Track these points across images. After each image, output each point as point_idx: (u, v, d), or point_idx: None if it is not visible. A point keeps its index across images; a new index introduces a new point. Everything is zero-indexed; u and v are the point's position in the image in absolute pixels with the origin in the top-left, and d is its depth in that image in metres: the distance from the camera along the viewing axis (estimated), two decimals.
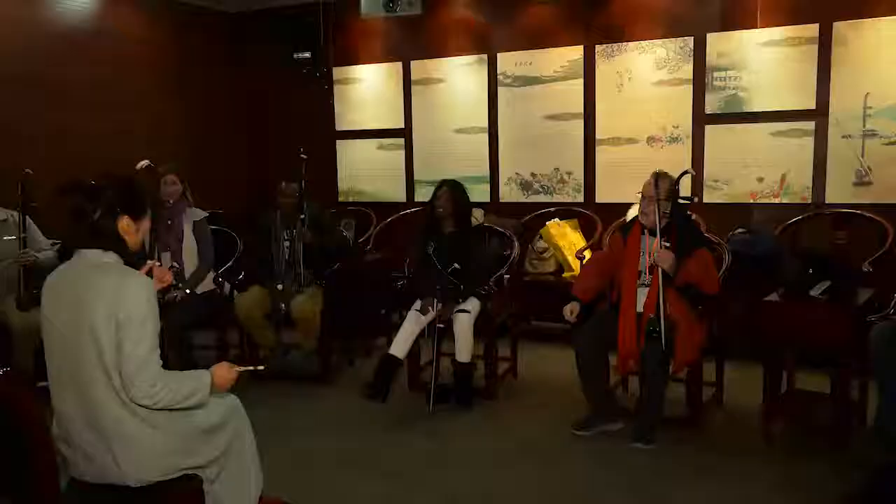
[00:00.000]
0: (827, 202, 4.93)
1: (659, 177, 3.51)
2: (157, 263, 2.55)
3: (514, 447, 3.52)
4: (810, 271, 3.39)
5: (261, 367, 2.36)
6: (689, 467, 3.24)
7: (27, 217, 4.09)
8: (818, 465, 3.21)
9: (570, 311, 3.58)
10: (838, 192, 4.91)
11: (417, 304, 4.08)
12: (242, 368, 2.25)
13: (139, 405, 1.99)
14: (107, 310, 1.93)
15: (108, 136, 5.54)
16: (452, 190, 4.19)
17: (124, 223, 2.08)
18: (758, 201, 5.17)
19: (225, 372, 2.18)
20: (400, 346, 4.01)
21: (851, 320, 3.21)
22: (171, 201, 4.26)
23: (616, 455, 3.37)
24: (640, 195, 3.60)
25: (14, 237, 4.09)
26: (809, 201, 4.98)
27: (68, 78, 5.40)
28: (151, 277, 2.46)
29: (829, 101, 4.88)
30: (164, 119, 6.13)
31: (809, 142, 4.97)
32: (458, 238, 4.15)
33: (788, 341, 3.46)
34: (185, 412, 2.10)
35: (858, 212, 4.71)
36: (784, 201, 5.08)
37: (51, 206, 4.13)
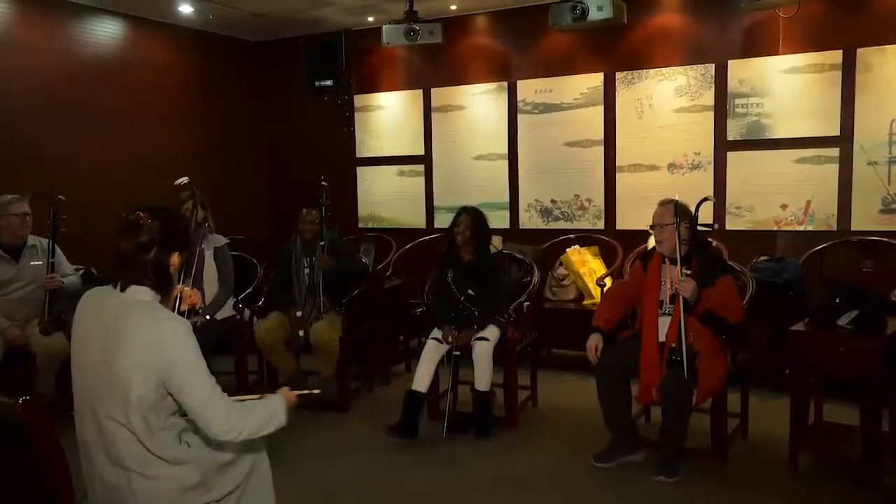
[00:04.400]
0: (853, 229, 4.85)
1: (675, 204, 3.47)
2: (185, 288, 2.56)
3: (534, 477, 3.47)
4: (837, 300, 3.32)
5: (316, 391, 2.43)
6: (714, 501, 3.17)
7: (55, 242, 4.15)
8: (847, 500, 3.12)
9: (595, 347, 3.51)
10: (864, 219, 4.83)
11: (436, 333, 4.07)
12: (300, 393, 2.30)
13: (222, 442, 2.03)
14: (144, 356, 1.90)
15: (134, 162, 5.65)
16: (472, 217, 4.19)
17: (175, 259, 2.08)
18: (782, 228, 5.10)
19: (289, 395, 2.22)
20: (422, 381, 3.98)
21: (880, 350, 3.13)
22: (195, 225, 4.31)
23: (638, 488, 3.30)
24: (650, 227, 3.57)
25: (41, 262, 4.15)
26: (835, 229, 4.91)
27: (96, 105, 5.52)
28: (180, 300, 2.47)
29: (853, 128, 4.83)
30: (187, 145, 6.23)
31: (834, 168, 4.92)
32: (477, 265, 4.14)
33: (815, 371, 3.39)
34: (204, 447, 2.08)
35: (886, 239, 4.63)
36: (809, 228, 5.01)
37: (77, 232, 4.23)
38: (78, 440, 2.03)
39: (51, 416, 1.72)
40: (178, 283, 3.32)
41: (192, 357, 1.95)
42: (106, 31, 5.65)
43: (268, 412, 2.10)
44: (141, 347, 1.91)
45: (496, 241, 5.14)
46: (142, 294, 2.02)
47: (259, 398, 2.23)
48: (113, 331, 1.94)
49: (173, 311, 2.40)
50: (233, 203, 6.21)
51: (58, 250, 4.19)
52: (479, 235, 4.17)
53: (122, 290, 2.02)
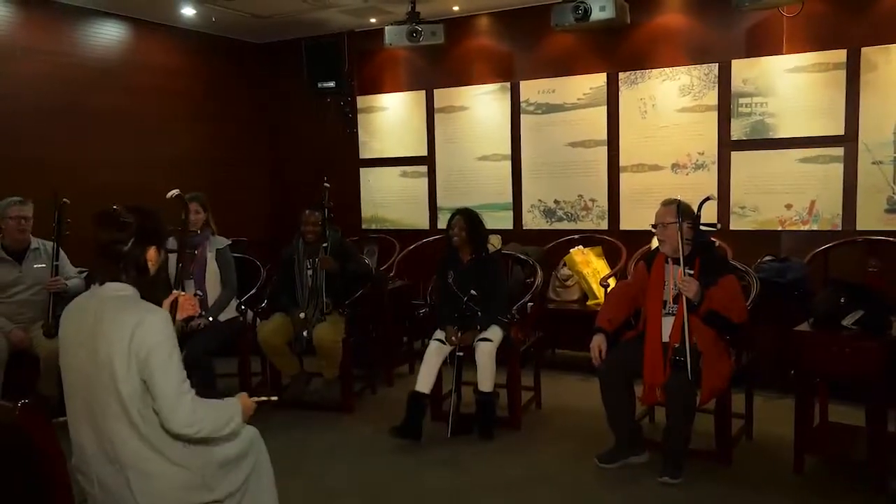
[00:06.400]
0: (858, 229, 4.82)
1: (678, 204, 3.46)
2: (182, 293, 2.55)
3: (537, 478, 3.46)
4: (842, 300, 3.30)
5: (274, 398, 2.46)
6: (718, 502, 3.15)
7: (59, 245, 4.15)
8: (853, 502, 3.10)
9: (598, 349, 3.50)
10: (870, 218, 4.81)
11: (438, 334, 4.06)
12: (258, 399, 2.31)
13: (180, 435, 2.00)
14: (126, 346, 1.93)
15: (137, 165, 5.65)
16: (465, 218, 4.18)
17: (151, 253, 2.11)
18: (787, 228, 5.08)
19: (247, 402, 2.23)
20: (425, 382, 3.98)
21: (885, 351, 3.11)
22: (197, 230, 4.31)
23: (642, 489, 3.29)
24: (652, 227, 3.56)
25: (44, 265, 4.16)
26: (840, 228, 4.89)
27: (99, 108, 5.53)
28: (177, 306, 2.48)
29: (858, 127, 4.81)
30: (191, 147, 6.23)
31: (839, 168, 4.89)
32: (477, 266, 4.13)
33: (820, 372, 3.37)
34: (204, 445, 2.09)
35: (891, 239, 4.60)
36: (814, 228, 4.98)
37: (81, 235, 4.23)
38: (74, 444, 2.03)
39: (51, 420, 1.71)
40: (180, 288, 3.33)
41: (167, 346, 1.98)
42: (108, 34, 5.65)
43: (226, 414, 2.11)
44: (123, 337, 1.93)
45: (494, 241, 5.13)
46: (121, 289, 2.04)
47: (259, 399, 2.28)
48: (95, 329, 1.97)
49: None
50: (235, 205, 6.21)
51: (62, 253, 4.19)
52: (475, 236, 4.16)
53: (101, 283, 2.04)
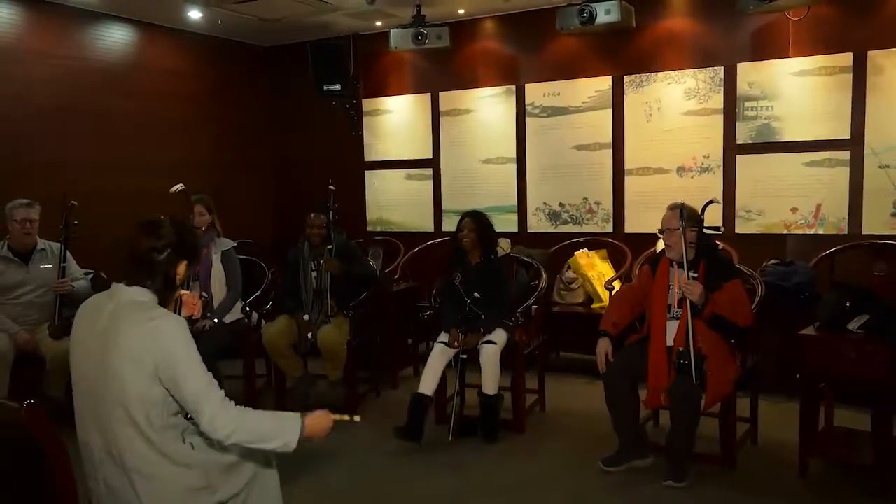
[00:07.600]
0: (864, 233, 4.81)
1: (681, 208, 3.45)
2: (185, 292, 2.56)
3: (541, 482, 3.45)
4: (848, 304, 3.29)
5: (357, 418, 2.31)
6: None
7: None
8: None
9: (605, 353, 3.49)
10: (876, 222, 4.79)
11: (443, 337, 4.06)
12: (338, 417, 2.22)
13: (214, 438, 1.98)
14: (141, 353, 1.93)
15: (143, 167, 5.68)
16: (474, 221, 4.18)
17: (181, 268, 2.14)
18: (792, 232, 5.06)
19: (321, 419, 2.14)
20: (428, 384, 3.97)
21: (891, 355, 3.10)
22: (203, 229, 4.32)
23: (647, 493, 3.28)
24: (659, 232, 3.56)
25: (50, 266, 4.18)
26: (846, 232, 4.87)
27: (106, 111, 5.56)
28: (180, 307, 2.48)
29: (864, 131, 4.79)
30: (196, 150, 6.26)
31: (845, 171, 4.88)
32: (485, 269, 4.13)
33: (826, 376, 3.36)
34: (208, 448, 2.09)
35: None
36: (819, 232, 4.97)
37: (87, 236, 4.25)
38: (81, 444, 2.04)
39: (57, 421, 1.72)
40: (185, 288, 3.33)
41: (184, 349, 1.98)
42: (116, 37, 5.69)
43: (273, 426, 2.04)
44: (134, 343, 1.94)
45: (504, 244, 5.12)
46: (141, 295, 2.05)
47: (341, 418, 2.21)
48: (108, 332, 1.98)
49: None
50: (241, 207, 6.23)
51: (68, 255, 4.21)
52: (485, 238, 4.16)
53: (128, 285, 2.05)
